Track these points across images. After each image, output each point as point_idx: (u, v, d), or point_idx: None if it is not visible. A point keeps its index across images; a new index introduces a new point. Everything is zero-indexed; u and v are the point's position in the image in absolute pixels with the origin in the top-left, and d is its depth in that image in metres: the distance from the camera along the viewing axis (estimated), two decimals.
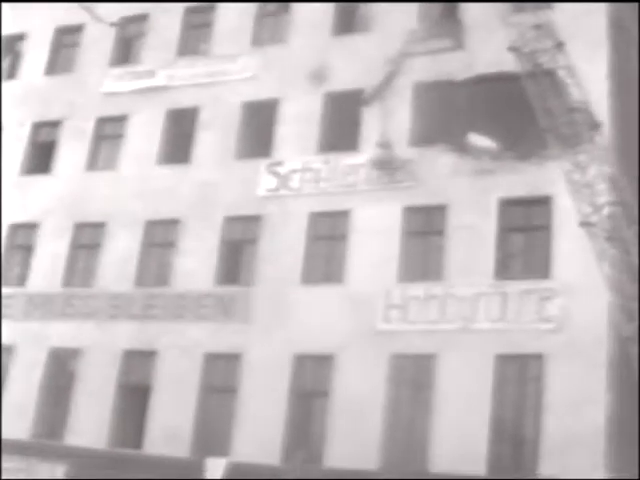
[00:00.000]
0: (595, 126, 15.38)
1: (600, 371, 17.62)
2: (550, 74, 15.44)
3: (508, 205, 19.96)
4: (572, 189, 15.46)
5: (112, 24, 24.98)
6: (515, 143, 19.98)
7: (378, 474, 18.53)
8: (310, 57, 23.27)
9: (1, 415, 22.61)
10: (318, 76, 22.64)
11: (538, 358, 18.36)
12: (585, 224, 15.36)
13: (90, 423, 21.98)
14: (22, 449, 21.95)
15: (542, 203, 19.50)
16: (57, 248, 24.65)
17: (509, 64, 16.44)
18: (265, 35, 24.80)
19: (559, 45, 15.45)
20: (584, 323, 18.00)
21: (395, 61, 20.06)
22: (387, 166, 20.69)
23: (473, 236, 19.83)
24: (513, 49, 15.73)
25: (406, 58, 20.40)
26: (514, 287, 19.00)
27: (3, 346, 23.64)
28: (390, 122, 20.85)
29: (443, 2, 22.59)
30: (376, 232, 20.84)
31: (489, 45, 20.50)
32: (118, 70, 26.31)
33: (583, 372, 17.68)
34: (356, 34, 23.48)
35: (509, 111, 19.34)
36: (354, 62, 22.55)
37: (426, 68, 21.30)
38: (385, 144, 20.57)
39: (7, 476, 21.22)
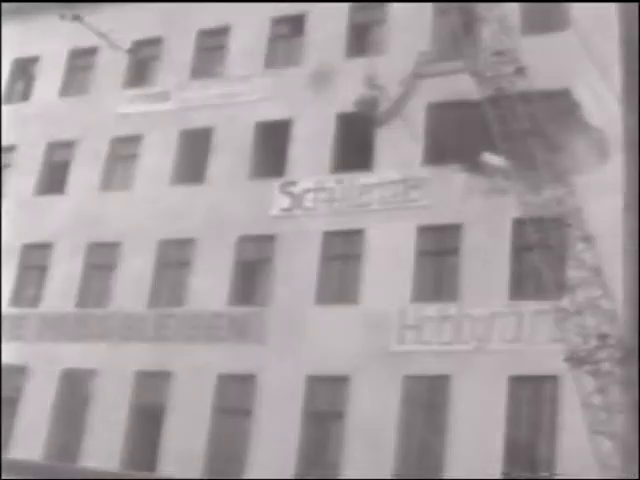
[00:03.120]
0: (553, 149, 15.47)
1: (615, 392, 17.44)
2: (510, 98, 15.46)
3: (522, 224, 19.84)
4: (525, 211, 15.53)
5: (128, 50, 25.12)
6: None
7: None
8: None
9: (0, 435, 22.77)
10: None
11: (553, 379, 18.21)
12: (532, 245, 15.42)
13: (103, 445, 21.93)
14: (35, 471, 21.91)
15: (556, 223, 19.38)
16: (71, 268, 24.70)
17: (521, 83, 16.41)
18: (278, 57, 24.90)
19: (519, 70, 15.47)
20: None
21: (408, 82, 20.03)
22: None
23: (487, 256, 19.74)
24: (474, 74, 15.78)
25: (419, 79, 20.37)
26: (529, 307, 18.89)
27: (16, 367, 23.65)
28: (403, 142, 20.84)
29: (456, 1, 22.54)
30: (390, 252, 20.79)
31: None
32: (132, 92, 26.44)
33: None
34: (369, 55, 23.50)
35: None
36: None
37: (439, 88, 21.26)
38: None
39: None
